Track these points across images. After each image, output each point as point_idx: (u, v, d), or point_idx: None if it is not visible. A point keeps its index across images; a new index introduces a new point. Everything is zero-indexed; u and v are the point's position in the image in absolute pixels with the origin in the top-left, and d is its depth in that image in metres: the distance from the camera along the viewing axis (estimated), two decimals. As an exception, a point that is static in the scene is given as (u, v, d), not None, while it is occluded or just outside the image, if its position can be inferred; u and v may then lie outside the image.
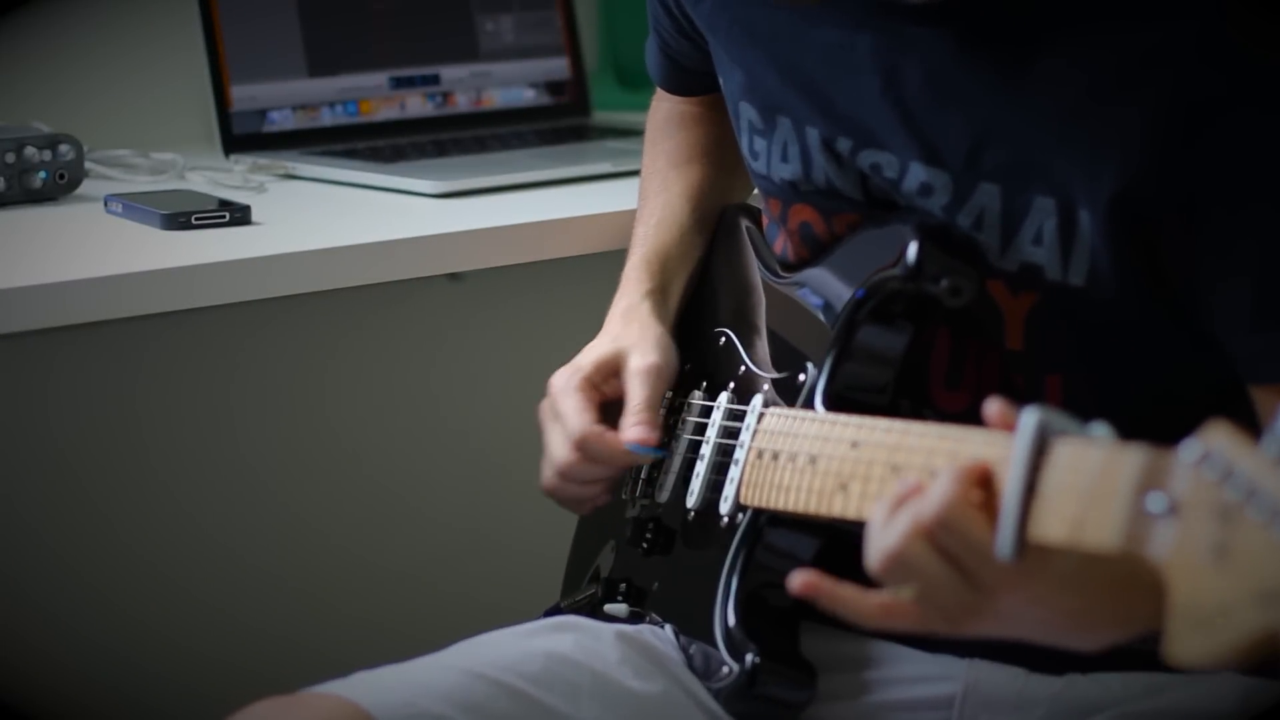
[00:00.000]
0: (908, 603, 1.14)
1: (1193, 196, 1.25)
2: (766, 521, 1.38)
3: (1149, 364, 1.33)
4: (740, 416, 1.42)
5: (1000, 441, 1.11)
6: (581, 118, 2.28)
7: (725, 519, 1.40)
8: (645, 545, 1.49)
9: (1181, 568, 0.97)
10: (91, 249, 1.71)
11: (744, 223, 1.56)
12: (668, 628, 1.44)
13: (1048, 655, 1.20)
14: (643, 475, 1.50)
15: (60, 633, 2.08)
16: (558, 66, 2.28)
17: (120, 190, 1.87)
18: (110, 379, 2.08)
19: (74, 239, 1.76)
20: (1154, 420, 1.10)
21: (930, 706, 1.41)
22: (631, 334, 1.51)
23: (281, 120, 2.10)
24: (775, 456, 1.34)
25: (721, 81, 1.50)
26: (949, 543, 1.10)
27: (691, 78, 1.62)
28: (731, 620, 1.37)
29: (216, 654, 2.15)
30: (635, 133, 1.75)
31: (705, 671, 1.39)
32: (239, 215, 1.77)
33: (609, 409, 1.49)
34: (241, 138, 2.07)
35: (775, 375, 1.43)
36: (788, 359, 1.43)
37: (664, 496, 1.48)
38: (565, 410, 1.47)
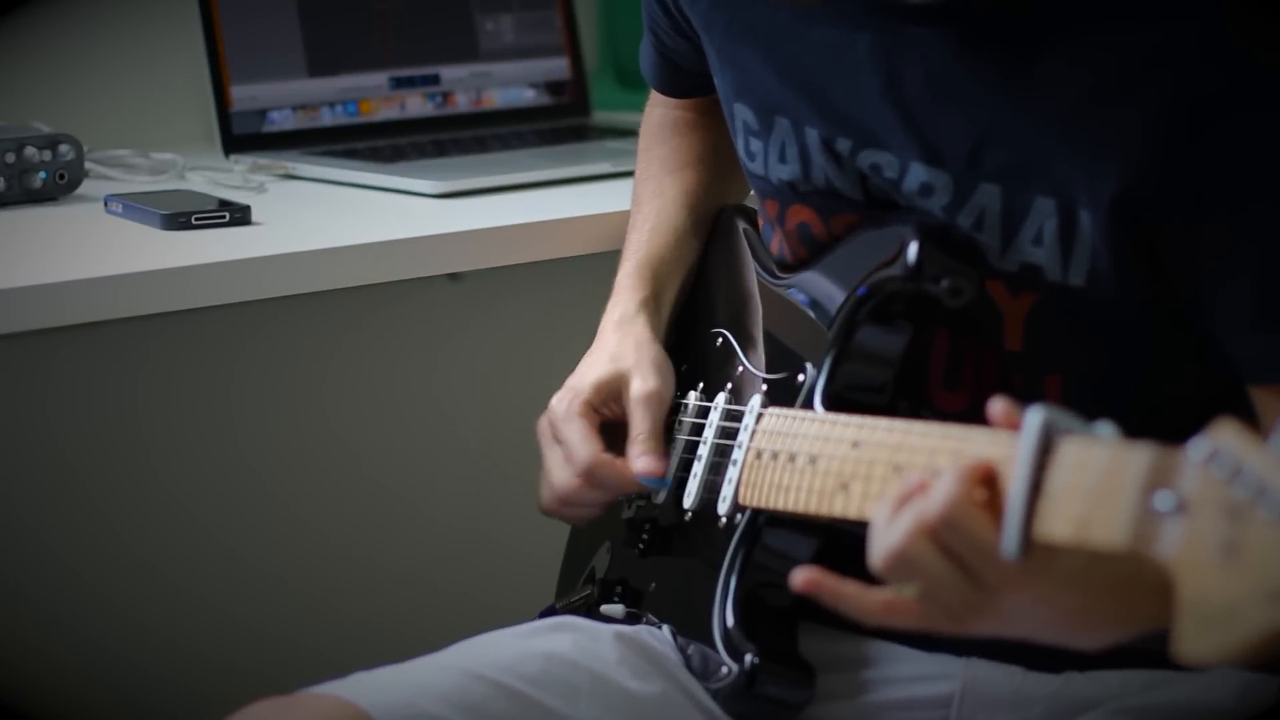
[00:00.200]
0: (910, 601, 1.14)
1: (1194, 197, 1.25)
2: (765, 522, 1.38)
3: (1149, 365, 1.33)
4: (738, 417, 1.42)
5: (1004, 441, 1.11)
6: (581, 118, 2.28)
7: (723, 519, 1.40)
8: (641, 546, 1.49)
9: (1190, 566, 0.97)
10: (91, 249, 1.71)
11: (741, 224, 1.56)
12: (665, 628, 1.44)
13: (1045, 653, 1.21)
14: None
15: (60, 633, 2.08)
16: (558, 66, 2.28)
17: (120, 190, 1.86)
18: (110, 379, 2.08)
19: (74, 239, 1.76)
20: (1153, 421, 1.10)
21: (928, 705, 1.41)
22: (628, 352, 1.50)
23: (281, 120, 2.10)
24: (774, 457, 1.34)
25: (716, 82, 1.50)
26: (953, 541, 1.10)
27: (688, 78, 1.61)
28: (730, 620, 1.37)
29: (216, 654, 2.15)
30: (635, 133, 1.75)
31: (703, 672, 1.39)
32: (239, 215, 1.77)
33: (607, 429, 1.48)
34: (241, 138, 2.07)
35: (773, 376, 1.43)
36: (785, 360, 1.42)
37: (660, 498, 1.48)
38: (570, 438, 1.46)
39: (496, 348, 2.31)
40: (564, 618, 1.47)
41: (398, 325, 2.25)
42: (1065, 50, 1.29)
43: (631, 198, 1.65)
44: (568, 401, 1.48)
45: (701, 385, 1.50)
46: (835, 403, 1.35)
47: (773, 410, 1.38)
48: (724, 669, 1.37)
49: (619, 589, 1.50)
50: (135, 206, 1.79)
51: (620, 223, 1.66)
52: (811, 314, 1.41)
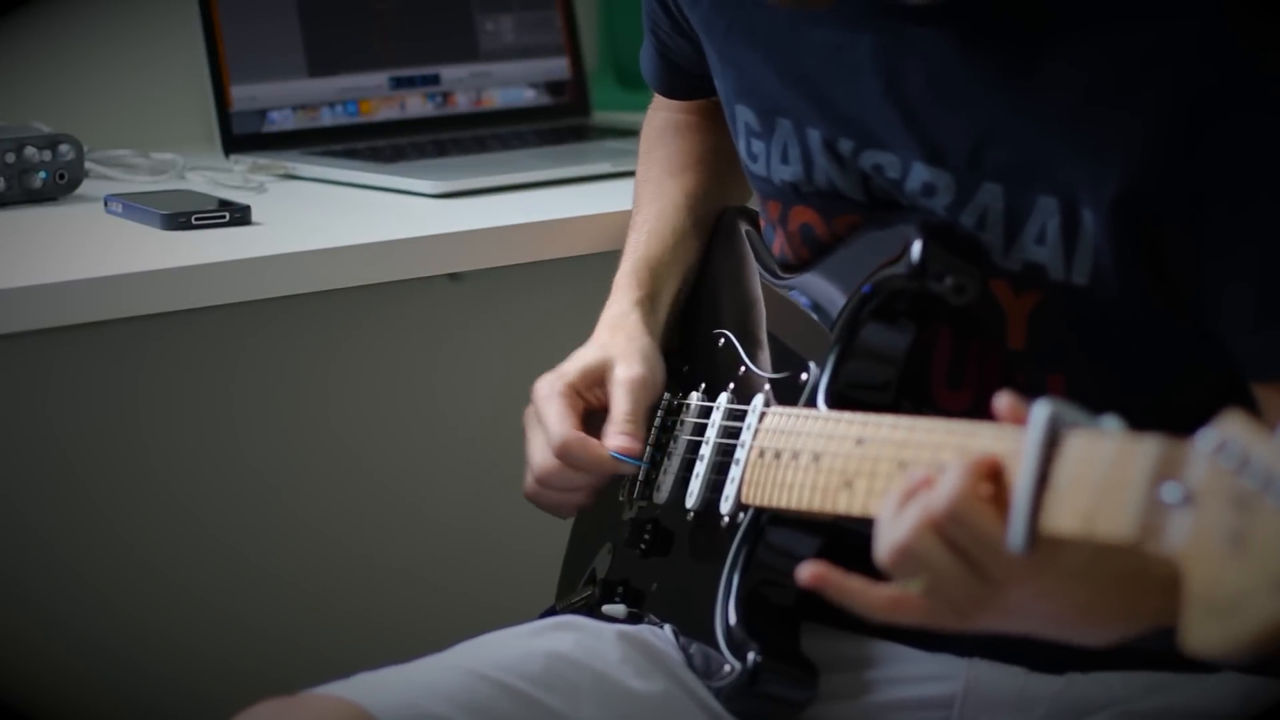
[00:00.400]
0: (916, 596, 1.14)
1: (1195, 196, 1.25)
2: (768, 520, 1.38)
3: (1152, 363, 1.33)
4: (740, 416, 1.42)
5: (1009, 435, 1.11)
6: (581, 118, 2.28)
7: (726, 519, 1.40)
8: (643, 546, 1.49)
9: (1197, 557, 0.97)
10: (91, 249, 1.71)
11: (743, 226, 1.56)
12: (667, 628, 1.44)
13: (1048, 654, 1.21)
14: (640, 477, 1.50)
15: (60, 633, 2.07)
16: (558, 66, 2.28)
17: (120, 190, 1.86)
18: (110, 379, 2.08)
19: (74, 239, 1.76)
20: (1156, 420, 1.10)
21: (931, 706, 1.41)
22: (618, 343, 1.51)
23: (281, 120, 2.10)
24: (777, 455, 1.34)
25: (717, 83, 1.50)
26: (958, 535, 1.11)
27: (689, 80, 1.61)
28: (733, 619, 1.37)
29: (218, 654, 2.15)
30: (635, 133, 1.75)
31: (706, 671, 1.39)
32: (239, 215, 1.77)
33: (591, 417, 1.49)
34: (241, 138, 2.07)
35: (776, 375, 1.43)
36: (788, 359, 1.42)
37: (662, 498, 1.48)
38: (547, 416, 1.47)
39: (496, 348, 2.31)
40: (566, 617, 1.47)
41: (398, 325, 2.25)
42: (1066, 50, 1.29)
43: (633, 200, 1.65)
44: (550, 382, 1.48)
45: (704, 386, 1.50)
46: (838, 401, 1.35)
47: (776, 409, 1.38)
48: (726, 668, 1.36)
49: (620, 589, 1.50)
50: (135, 206, 1.79)
51: (620, 223, 1.66)
52: (814, 314, 1.41)
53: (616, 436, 1.45)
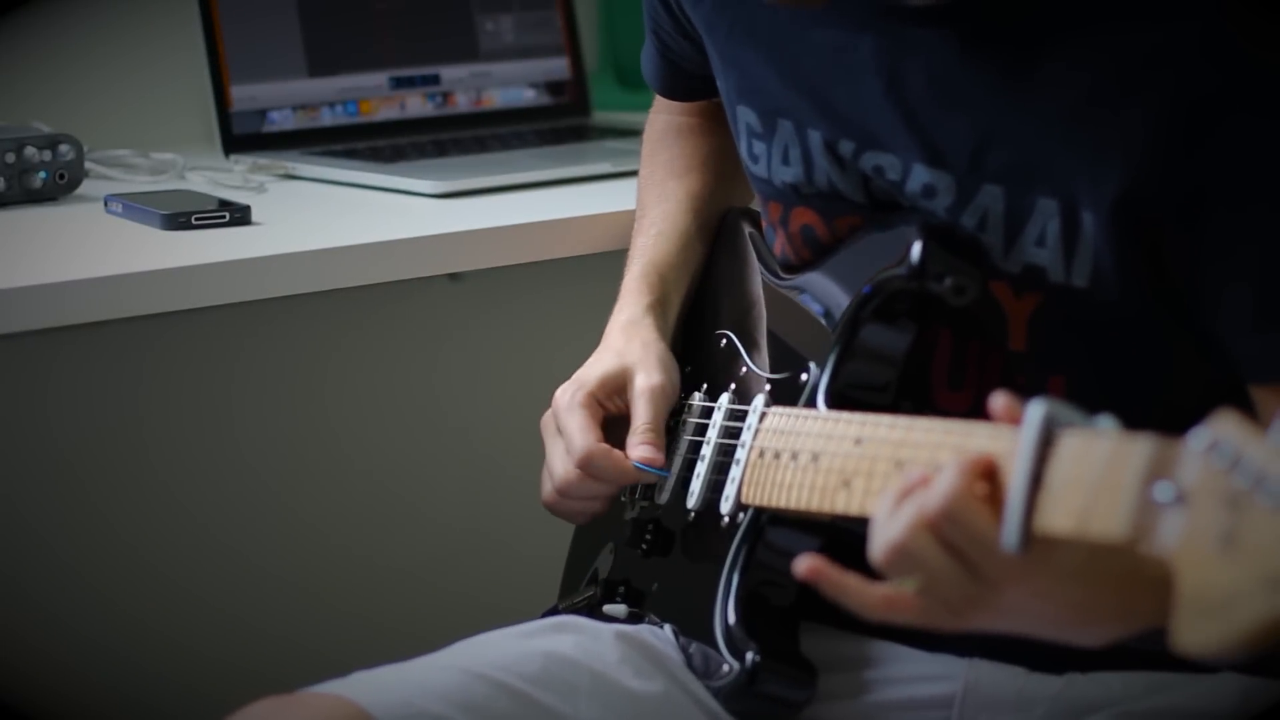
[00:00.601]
0: (911, 595, 1.14)
1: (1195, 198, 1.25)
2: (767, 520, 1.38)
3: (1152, 365, 1.33)
4: (741, 417, 1.42)
5: (1005, 435, 1.11)
6: (581, 118, 2.28)
7: (726, 519, 1.40)
8: (644, 546, 1.49)
9: (1190, 556, 0.97)
10: (91, 249, 1.71)
11: (745, 227, 1.56)
12: (667, 628, 1.44)
13: (1047, 654, 1.21)
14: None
15: (61, 632, 2.07)
16: (558, 66, 2.28)
17: (120, 190, 1.87)
18: (110, 379, 2.08)
19: (74, 239, 1.76)
20: (1157, 420, 1.10)
21: (930, 706, 1.41)
22: (635, 350, 1.51)
23: (281, 120, 2.10)
24: (777, 455, 1.34)
25: (719, 84, 1.50)
26: (953, 535, 1.11)
27: (691, 81, 1.61)
28: (732, 618, 1.37)
29: (216, 653, 2.15)
30: (635, 133, 1.75)
31: (705, 671, 1.39)
32: (239, 215, 1.77)
33: (610, 425, 1.49)
34: (241, 138, 2.07)
35: (776, 376, 1.43)
36: (789, 359, 1.43)
37: (663, 498, 1.48)
38: (569, 427, 1.47)
39: (496, 348, 2.31)
40: (565, 617, 1.47)
41: (398, 325, 2.25)
42: (1067, 51, 1.29)
43: (636, 203, 1.65)
44: (570, 392, 1.48)
45: (705, 386, 1.50)
46: (838, 402, 1.35)
47: (776, 409, 1.38)
48: (725, 667, 1.37)
49: (621, 589, 1.50)
50: (135, 206, 1.79)
51: (620, 223, 1.66)
52: (815, 314, 1.41)
53: (640, 447, 1.45)
